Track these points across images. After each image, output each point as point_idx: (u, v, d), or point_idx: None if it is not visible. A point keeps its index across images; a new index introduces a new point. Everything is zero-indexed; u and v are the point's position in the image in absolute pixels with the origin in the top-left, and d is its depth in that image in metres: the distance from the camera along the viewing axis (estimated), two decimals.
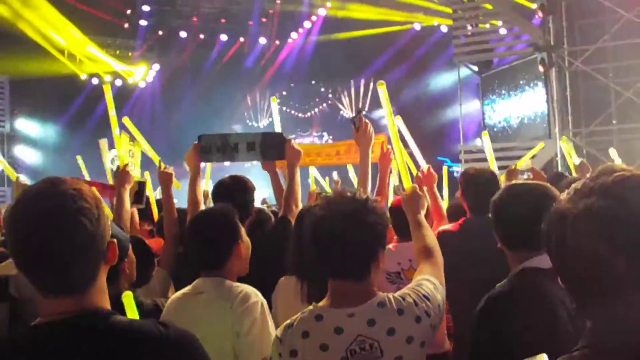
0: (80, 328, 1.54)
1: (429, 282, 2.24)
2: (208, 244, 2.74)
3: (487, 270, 2.55)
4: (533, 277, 2.24)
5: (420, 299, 2.12)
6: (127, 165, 4.11)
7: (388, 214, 2.39)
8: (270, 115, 20.68)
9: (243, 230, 2.82)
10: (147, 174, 4.60)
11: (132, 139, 4.55)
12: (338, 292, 2.13)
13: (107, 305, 1.62)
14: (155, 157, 4.30)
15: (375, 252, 2.12)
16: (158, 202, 4.68)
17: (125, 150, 4.38)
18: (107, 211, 1.65)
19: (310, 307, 2.15)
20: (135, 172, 4.36)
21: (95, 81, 18.29)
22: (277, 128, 4.46)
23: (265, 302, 2.66)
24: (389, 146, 3.96)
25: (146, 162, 4.72)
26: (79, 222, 1.52)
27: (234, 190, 3.61)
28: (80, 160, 5.96)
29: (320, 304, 2.15)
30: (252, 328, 2.55)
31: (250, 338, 2.54)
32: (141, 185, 4.43)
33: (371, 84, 20.65)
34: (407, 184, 2.82)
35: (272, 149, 3.98)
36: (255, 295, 2.64)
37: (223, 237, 2.74)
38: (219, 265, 2.71)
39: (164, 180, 3.99)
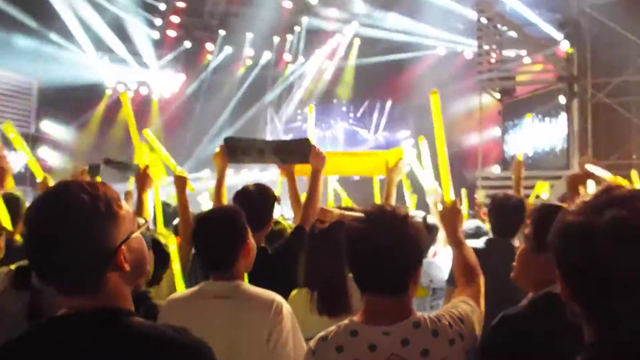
0: (96, 324, 1.57)
1: (466, 304, 2.24)
2: (220, 245, 2.71)
3: (505, 290, 2.58)
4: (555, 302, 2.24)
5: (454, 321, 2.12)
6: (147, 167, 4.14)
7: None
8: (290, 130, 20.81)
9: (249, 231, 2.81)
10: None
11: (151, 149, 4.53)
12: (374, 307, 2.12)
13: (126, 305, 1.64)
14: (172, 165, 4.33)
15: (414, 267, 2.11)
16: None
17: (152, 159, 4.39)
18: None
19: (346, 322, 2.14)
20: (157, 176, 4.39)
21: (121, 88, 18.52)
22: (311, 136, 4.42)
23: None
24: (403, 161, 4.01)
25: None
26: (77, 232, 1.55)
27: (257, 198, 3.65)
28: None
29: (355, 318, 2.14)
30: (288, 338, 2.56)
31: (286, 349, 2.54)
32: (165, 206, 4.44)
33: (387, 105, 20.70)
34: (448, 198, 2.72)
35: (296, 153, 4.00)
36: (285, 303, 2.65)
37: (234, 238, 2.73)
38: (231, 266, 2.70)
39: (179, 184, 4.05)
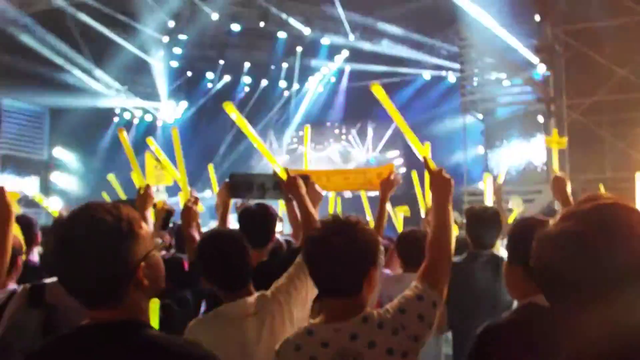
0: (117, 334, 1.61)
1: (414, 289, 2.22)
2: (236, 266, 2.70)
3: (487, 301, 2.53)
4: (537, 312, 2.20)
5: (396, 312, 2.13)
6: (148, 187, 4.10)
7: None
8: (288, 152, 20.92)
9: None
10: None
11: (157, 160, 4.45)
12: (330, 308, 2.16)
13: (144, 317, 1.70)
14: (180, 181, 4.26)
15: (365, 269, 2.12)
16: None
17: (154, 165, 4.32)
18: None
19: (306, 324, 2.21)
20: (160, 196, 4.32)
21: (127, 115, 18.62)
22: (306, 155, 4.48)
23: None
24: (396, 175, 4.00)
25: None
26: (101, 250, 1.61)
27: (259, 217, 3.69)
28: (113, 178, 5.60)
29: (316, 320, 2.19)
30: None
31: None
32: (168, 213, 4.44)
33: (377, 127, 20.84)
34: (432, 166, 2.54)
35: None
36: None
37: (248, 259, 2.74)
38: (246, 284, 2.71)
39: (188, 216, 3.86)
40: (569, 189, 3.51)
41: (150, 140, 4.41)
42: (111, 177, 5.45)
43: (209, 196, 12.95)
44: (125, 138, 3.92)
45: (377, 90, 2.76)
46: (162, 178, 4.35)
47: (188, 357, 1.61)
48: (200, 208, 4.10)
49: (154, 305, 1.97)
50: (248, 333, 2.56)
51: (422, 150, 2.60)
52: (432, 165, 2.53)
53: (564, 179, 3.54)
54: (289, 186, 3.15)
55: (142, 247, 1.67)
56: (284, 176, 3.17)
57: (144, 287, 1.65)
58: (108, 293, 1.63)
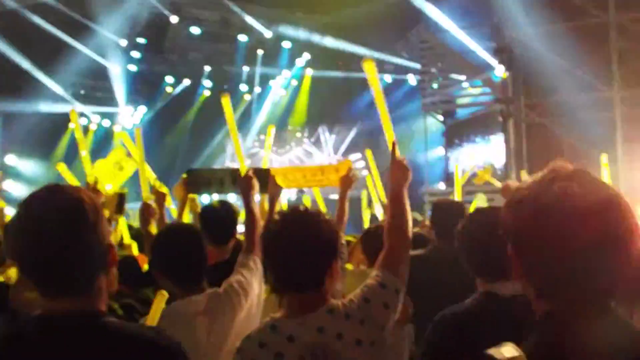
0: (75, 325, 1.53)
1: (375, 277, 2.20)
2: (190, 261, 2.66)
3: (452, 295, 2.55)
4: (488, 302, 2.25)
5: (361, 302, 2.11)
6: (96, 183, 3.95)
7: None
8: (249, 156, 20.79)
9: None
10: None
11: (129, 154, 4.40)
12: (292, 302, 2.10)
13: (104, 307, 1.60)
14: (151, 177, 4.14)
15: (327, 263, 2.07)
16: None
17: (114, 162, 4.27)
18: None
19: (267, 319, 2.13)
20: (115, 186, 4.26)
21: (84, 121, 18.24)
22: (268, 153, 4.53)
23: None
24: (354, 171, 4.02)
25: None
26: (76, 231, 1.52)
27: (222, 214, 3.64)
28: (63, 167, 4.96)
29: (278, 314, 2.13)
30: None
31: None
32: (121, 196, 4.33)
33: (339, 130, 20.88)
34: (397, 154, 2.57)
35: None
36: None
37: (203, 254, 2.70)
38: (200, 281, 2.67)
39: (160, 198, 3.86)
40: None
41: (123, 134, 4.37)
42: (61, 166, 4.92)
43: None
44: (80, 136, 3.91)
45: (368, 68, 2.74)
46: (117, 177, 4.27)
47: (153, 345, 1.56)
48: (169, 202, 4.04)
49: (161, 299, 1.86)
50: (197, 331, 2.50)
51: (391, 136, 2.64)
52: (397, 153, 2.56)
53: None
54: (241, 182, 3.13)
55: (107, 231, 1.61)
56: (243, 170, 3.15)
57: (109, 276, 1.57)
58: (82, 280, 1.55)
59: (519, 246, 1.32)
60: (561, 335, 1.24)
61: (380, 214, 4.23)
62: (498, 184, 3.81)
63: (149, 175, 4.15)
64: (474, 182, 5.74)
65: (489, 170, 5.78)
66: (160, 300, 1.89)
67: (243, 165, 3.21)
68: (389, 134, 2.67)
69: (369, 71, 2.74)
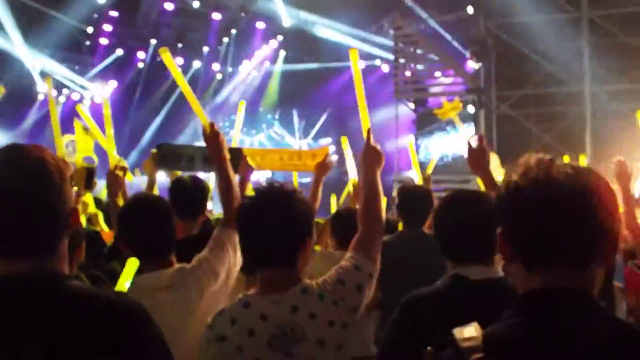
0: (34, 287, 1.48)
1: (350, 260, 2.20)
2: (157, 232, 2.62)
3: (420, 279, 2.55)
4: (458, 285, 2.23)
5: (335, 284, 2.10)
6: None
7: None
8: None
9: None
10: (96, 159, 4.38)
11: (86, 128, 4.32)
12: (266, 279, 2.09)
13: (66, 270, 1.58)
14: (110, 150, 4.10)
15: (301, 239, 2.08)
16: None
17: (66, 143, 4.20)
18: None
19: (240, 295, 2.12)
20: (78, 158, 4.20)
21: (54, 93, 17.87)
22: (238, 130, 4.48)
23: None
24: (331, 158, 4.02)
25: None
26: (41, 191, 1.49)
27: (191, 188, 3.59)
28: None
29: (251, 291, 2.12)
30: None
31: None
32: (89, 170, 4.27)
33: (310, 114, 20.83)
34: (370, 140, 2.60)
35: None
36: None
37: (170, 226, 2.67)
38: (167, 255, 2.64)
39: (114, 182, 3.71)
40: (494, 164, 3.46)
41: (79, 108, 4.34)
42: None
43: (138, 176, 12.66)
44: (53, 107, 3.85)
45: (353, 56, 2.84)
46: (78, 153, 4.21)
47: (115, 305, 1.52)
48: (130, 177, 3.97)
49: (132, 265, 1.81)
50: (161, 306, 2.42)
51: (366, 123, 2.69)
52: (371, 139, 2.59)
53: (488, 152, 3.15)
54: (209, 139, 2.91)
55: (71, 193, 1.58)
56: (206, 127, 2.93)
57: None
58: (46, 240, 1.51)
59: (512, 225, 1.38)
60: (552, 315, 1.29)
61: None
62: (460, 123, 3.84)
63: (106, 145, 4.07)
64: (437, 115, 5.49)
65: (458, 105, 5.39)
66: (131, 267, 1.85)
67: (204, 119, 2.98)
68: (365, 121, 2.71)
69: (354, 60, 2.81)
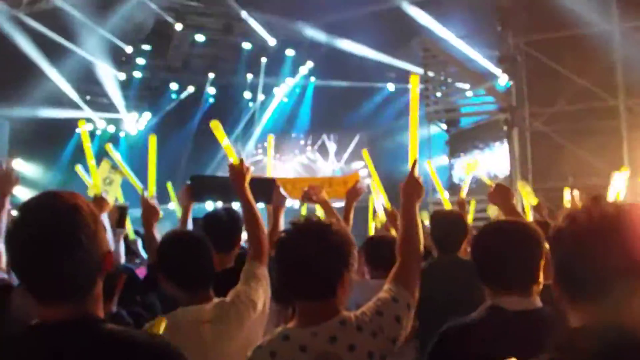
0: (74, 332, 1.52)
1: (388, 291, 2.22)
2: (197, 267, 2.65)
3: (457, 307, 2.52)
4: (494, 316, 2.21)
5: (374, 315, 2.12)
6: (101, 198, 3.95)
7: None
8: (252, 163, 20.75)
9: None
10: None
11: (115, 166, 4.37)
12: (305, 312, 2.11)
13: (101, 313, 1.61)
14: (137, 185, 4.16)
15: (339, 273, 2.09)
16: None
17: (103, 177, 4.19)
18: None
19: (280, 328, 2.14)
20: (111, 200, 4.18)
21: (89, 127, 18.24)
22: (269, 164, 4.51)
23: None
24: (361, 184, 4.02)
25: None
26: (76, 236, 1.52)
27: (226, 220, 3.61)
28: (79, 169, 4.82)
29: (290, 324, 2.14)
30: None
31: None
32: (122, 210, 4.32)
33: (343, 137, 20.86)
34: (415, 172, 2.63)
35: (260, 193, 3.87)
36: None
37: (209, 261, 2.70)
38: (206, 288, 2.67)
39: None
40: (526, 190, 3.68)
41: (108, 147, 4.34)
42: (77, 168, 4.84)
43: (173, 208, 12.76)
44: (88, 144, 3.90)
45: (414, 81, 2.86)
46: (109, 192, 4.21)
47: (152, 349, 1.55)
48: (160, 214, 4.00)
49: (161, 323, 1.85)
50: (203, 340, 2.48)
51: (414, 153, 2.73)
52: (416, 171, 2.63)
53: (508, 187, 3.49)
54: (231, 171, 3.04)
55: (105, 238, 1.62)
56: (235, 162, 3.05)
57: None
58: (80, 286, 1.55)
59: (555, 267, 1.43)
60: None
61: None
62: (488, 181, 3.82)
63: (136, 184, 4.18)
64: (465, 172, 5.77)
65: (476, 163, 5.76)
66: (159, 325, 1.87)
67: (234, 156, 3.10)
68: (413, 151, 2.74)
69: (414, 85, 2.83)
